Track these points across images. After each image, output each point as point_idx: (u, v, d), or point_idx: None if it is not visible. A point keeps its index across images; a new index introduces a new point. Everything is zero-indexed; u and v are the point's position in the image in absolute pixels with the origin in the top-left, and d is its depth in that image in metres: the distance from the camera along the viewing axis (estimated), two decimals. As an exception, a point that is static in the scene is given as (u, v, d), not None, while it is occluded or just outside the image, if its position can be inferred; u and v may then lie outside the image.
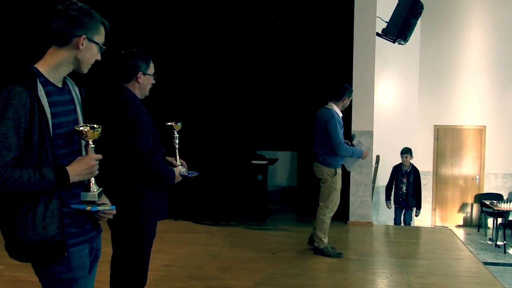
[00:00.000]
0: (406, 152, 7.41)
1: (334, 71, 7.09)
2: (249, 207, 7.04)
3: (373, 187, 7.22)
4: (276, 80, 7.53)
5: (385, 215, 8.33)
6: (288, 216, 7.57)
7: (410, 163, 7.44)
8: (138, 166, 2.73)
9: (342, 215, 6.91)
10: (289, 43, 7.46)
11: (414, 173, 7.49)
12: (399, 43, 6.99)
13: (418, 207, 7.52)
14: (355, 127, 6.83)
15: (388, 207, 7.65)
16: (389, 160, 7.81)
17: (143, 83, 2.92)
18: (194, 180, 6.63)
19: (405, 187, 7.50)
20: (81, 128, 2.01)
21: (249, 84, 7.53)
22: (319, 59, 7.27)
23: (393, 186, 7.65)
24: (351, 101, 5.59)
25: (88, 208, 2.01)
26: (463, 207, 10.11)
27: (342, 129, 5.19)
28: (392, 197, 7.70)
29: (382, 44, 7.06)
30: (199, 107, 7.37)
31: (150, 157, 2.74)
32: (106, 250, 2.86)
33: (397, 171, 7.55)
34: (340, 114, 5.22)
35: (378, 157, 7.30)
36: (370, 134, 6.79)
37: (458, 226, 10.02)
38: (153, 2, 7.45)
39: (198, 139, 7.27)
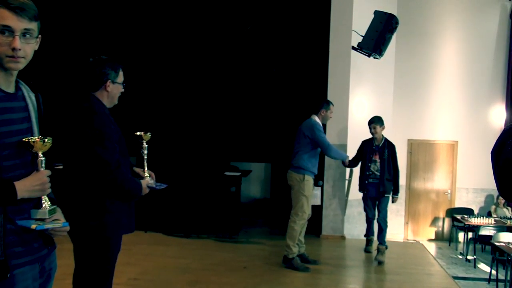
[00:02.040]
0: (375, 121, 5.87)
1: (310, 83, 7.13)
2: (222, 220, 6.99)
3: (346, 201, 7.24)
4: (252, 90, 7.54)
5: (358, 228, 8.34)
6: (261, 229, 7.54)
7: (383, 136, 5.93)
8: (103, 178, 2.67)
9: (314, 228, 6.92)
10: (265, 54, 7.50)
11: (389, 148, 5.89)
12: (374, 57, 7.06)
13: (396, 191, 5.96)
14: (329, 140, 6.80)
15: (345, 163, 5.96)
16: (363, 173, 7.81)
17: (112, 92, 2.88)
18: (166, 191, 6.51)
19: (377, 167, 5.93)
20: (28, 139, 1.85)
21: (224, 94, 7.50)
22: (296, 71, 7.31)
23: (361, 167, 6.12)
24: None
25: (33, 226, 1.83)
26: (435, 221, 10.23)
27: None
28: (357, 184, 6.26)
29: (358, 58, 7.12)
30: (171, 116, 7.31)
31: (117, 169, 2.68)
32: (71, 262, 2.79)
33: (366, 146, 5.99)
34: (320, 123, 5.47)
35: (351, 171, 7.28)
36: (344, 147, 6.84)
37: (430, 240, 10.12)
38: (123, 9, 7.40)
39: (169, 149, 7.20)
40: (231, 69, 7.50)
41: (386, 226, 6.10)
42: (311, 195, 5.43)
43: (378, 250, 5.90)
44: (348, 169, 7.07)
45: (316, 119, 5.45)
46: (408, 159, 10.14)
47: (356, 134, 7.61)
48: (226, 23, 7.38)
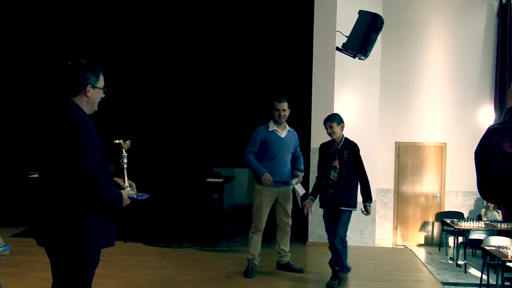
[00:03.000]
0: (330, 119, 4.97)
1: (294, 86, 7.19)
2: (204, 228, 7.00)
3: (333, 206, 7.26)
4: (234, 94, 7.56)
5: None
6: (244, 237, 7.51)
7: (343, 136, 5.00)
8: (82, 189, 2.65)
9: (300, 235, 6.98)
10: (247, 56, 7.55)
11: (349, 149, 4.95)
12: (359, 58, 7.06)
13: (366, 198, 4.99)
14: (314, 144, 6.93)
15: (305, 210, 5.19)
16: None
17: (92, 97, 2.87)
18: (146, 199, 6.60)
19: (336, 174, 4.92)
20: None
21: (206, 98, 7.53)
22: (279, 74, 7.39)
23: (318, 176, 5.26)
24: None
25: None
26: (424, 225, 10.34)
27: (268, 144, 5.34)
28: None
29: (342, 59, 7.16)
30: (151, 121, 7.32)
31: (97, 179, 2.66)
32: (48, 275, 2.80)
33: (324, 151, 5.11)
34: (271, 127, 5.41)
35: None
36: (329, 151, 6.88)
37: (420, 245, 10.23)
38: (101, 12, 7.43)
39: (149, 155, 7.21)
40: (212, 72, 7.55)
41: (344, 247, 5.09)
42: (265, 205, 5.39)
43: (339, 279, 5.19)
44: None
45: (270, 122, 5.47)
46: (396, 162, 10.25)
47: None
48: (206, 24, 7.43)
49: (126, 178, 3.04)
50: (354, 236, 8.45)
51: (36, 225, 2.81)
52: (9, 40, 7.56)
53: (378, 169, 9.10)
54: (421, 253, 9.56)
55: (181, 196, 6.87)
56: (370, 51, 7.03)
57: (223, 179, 7.03)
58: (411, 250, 7.17)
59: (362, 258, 6.43)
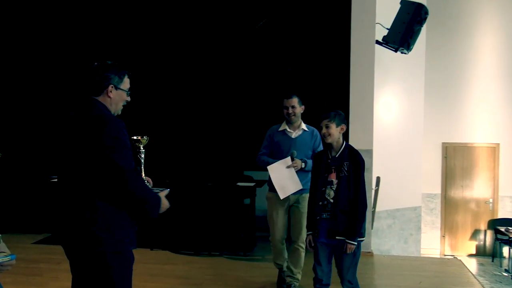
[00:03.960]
0: (328, 117, 4.09)
1: (330, 83, 7.15)
2: (235, 235, 6.96)
3: (373, 212, 7.18)
4: (266, 92, 7.53)
5: (388, 243, 8.30)
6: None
7: (344, 142, 4.14)
8: (121, 188, 2.72)
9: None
10: (280, 52, 7.48)
11: (351, 160, 4.06)
12: (401, 52, 7.02)
13: (352, 233, 3.95)
14: (353, 145, 6.83)
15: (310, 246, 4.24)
16: (391, 182, 7.81)
17: (114, 99, 2.94)
18: (173, 204, 6.57)
19: (333, 193, 4.06)
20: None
21: (236, 97, 7.52)
22: (313, 70, 7.32)
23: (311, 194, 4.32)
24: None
25: None
26: (475, 234, 10.11)
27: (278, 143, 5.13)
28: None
29: (383, 53, 7.11)
30: (178, 122, 7.35)
31: (136, 178, 2.78)
32: (67, 284, 2.83)
33: (318, 161, 4.24)
34: (282, 127, 5.19)
35: (378, 179, 7.27)
36: (369, 153, 6.77)
37: (470, 255, 10.00)
38: (130, 14, 7.53)
39: (176, 158, 7.23)
40: (243, 70, 7.53)
41: None
42: (275, 215, 5.17)
43: None
44: (374, 177, 7.02)
45: (284, 121, 5.23)
46: (443, 165, 10.06)
47: (383, 139, 7.63)
48: (238, 19, 7.43)
49: (143, 174, 3.12)
50: (397, 245, 8.34)
51: (61, 227, 2.85)
52: (30, 44, 7.78)
53: (423, 172, 8.98)
54: (472, 264, 9.34)
55: (210, 201, 6.84)
56: (413, 44, 6.94)
57: (254, 183, 6.99)
58: (460, 261, 6.99)
59: (406, 270, 6.30)
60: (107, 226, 2.75)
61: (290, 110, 5.03)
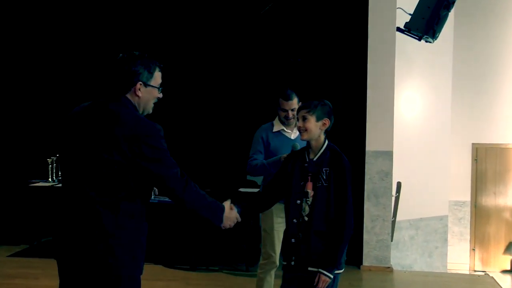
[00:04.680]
0: (307, 107, 3.64)
1: (344, 75, 7.14)
2: (236, 247, 6.98)
3: (393, 222, 7.18)
4: (272, 85, 7.45)
5: (410, 257, 8.27)
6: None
7: (325, 141, 3.66)
8: (170, 196, 2.83)
9: (354, 257, 6.86)
10: (289, 40, 7.45)
11: (332, 165, 3.56)
12: (426, 41, 6.93)
13: (328, 261, 3.43)
14: (370, 147, 6.86)
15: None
16: (414, 188, 7.78)
17: (144, 97, 2.89)
18: (166, 213, 6.51)
19: (308, 208, 3.57)
20: None
21: (237, 91, 7.50)
22: (326, 61, 7.28)
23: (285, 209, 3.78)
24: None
25: None
26: (510, 247, 10.06)
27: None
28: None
29: (405, 42, 7.07)
30: (175, 122, 7.33)
31: (186, 186, 2.81)
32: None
33: (291, 164, 3.72)
34: (276, 127, 4.95)
35: (399, 184, 7.24)
36: (389, 155, 6.80)
37: (504, 271, 9.95)
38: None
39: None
40: (248, 60, 7.51)
41: None
42: (273, 229, 4.83)
43: None
44: (394, 183, 7.00)
45: (276, 119, 4.98)
46: (473, 169, 10.00)
47: (404, 139, 7.59)
48: (242, 4, 7.47)
49: None
50: (421, 259, 8.31)
51: (69, 243, 2.78)
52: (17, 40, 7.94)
53: (451, 177, 8.95)
54: (506, 282, 9.30)
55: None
56: (439, 32, 6.89)
57: (258, 189, 6.96)
58: (492, 277, 6.95)
59: (431, 287, 6.28)
60: (131, 249, 2.76)
61: (290, 114, 4.74)
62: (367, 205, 6.88)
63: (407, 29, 6.79)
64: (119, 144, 2.67)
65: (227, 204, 3.07)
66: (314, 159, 3.58)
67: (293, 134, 4.84)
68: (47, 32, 7.87)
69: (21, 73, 7.91)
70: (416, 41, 6.92)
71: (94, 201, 2.68)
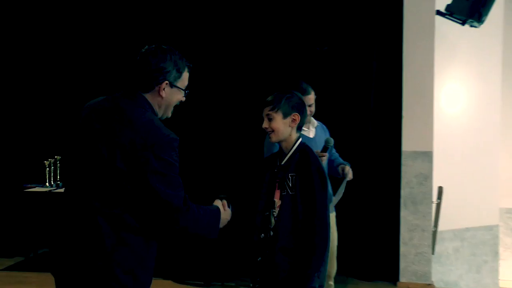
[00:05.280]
0: (268, 103, 3.53)
1: (376, 67, 7.04)
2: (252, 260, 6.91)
3: (434, 233, 7.05)
4: (294, 77, 7.31)
5: (455, 272, 8.18)
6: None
7: (298, 140, 3.57)
8: (169, 226, 2.74)
9: (389, 272, 6.88)
10: (314, 27, 7.38)
11: (299, 167, 3.46)
12: (471, 26, 6.90)
13: (298, 284, 3.27)
14: (406, 147, 6.79)
15: None
16: (458, 193, 7.68)
17: (167, 99, 2.87)
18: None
19: (273, 221, 3.48)
20: None
21: (253, 85, 7.41)
22: (355, 49, 7.20)
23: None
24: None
25: None
26: None
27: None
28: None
29: (446, 27, 7.01)
30: (187, 124, 7.29)
31: (186, 213, 2.73)
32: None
33: (267, 166, 3.72)
34: None
35: (440, 190, 7.12)
36: (428, 156, 6.73)
37: None
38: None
39: (184, 165, 7.22)
40: (267, 50, 7.46)
41: None
42: None
43: None
44: (435, 187, 6.93)
45: None
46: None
47: (446, 138, 7.54)
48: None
49: None
50: (467, 275, 8.24)
51: (67, 259, 2.77)
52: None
53: (501, 180, 8.83)
54: None
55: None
56: (486, 15, 6.79)
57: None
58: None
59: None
60: (132, 268, 2.72)
61: (308, 110, 4.75)
62: (404, 213, 6.79)
63: (448, 13, 6.76)
64: (124, 149, 2.64)
65: (219, 204, 3.04)
66: (282, 162, 3.50)
67: (311, 132, 4.96)
68: (43, 29, 7.98)
69: (15, 68, 8.00)
70: (459, 25, 6.89)
71: (94, 210, 2.66)
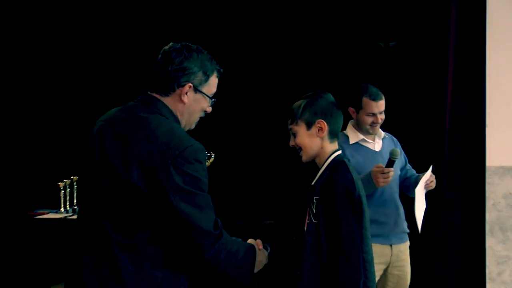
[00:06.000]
0: (292, 116, 3.44)
1: (454, 62, 6.74)
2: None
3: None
4: (354, 79, 7.11)
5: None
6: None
7: (335, 151, 3.40)
8: (196, 257, 2.64)
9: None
10: (377, 18, 7.34)
11: (322, 193, 3.29)
12: None
13: None
14: (492, 161, 6.49)
15: None
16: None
17: (190, 105, 2.82)
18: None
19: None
20: None
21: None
22: (425, 44, 7.09)
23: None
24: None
25: None
26: None
27: None
28: None
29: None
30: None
31: (217, 242, 2.65)
32: None
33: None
34: (353, 138, 4.86)
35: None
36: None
37: None
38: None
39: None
40: (320, 47, 7.43)
41: None
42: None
43: None
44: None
45: (349, 127, 4.89)
46: None
47: None
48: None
49: None
50: None
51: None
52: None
53: None
54: None
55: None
56: None
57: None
58: None
59: None
60: None
61: (378, 118, 4.71)
62: (490, 242, 6.47)
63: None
64: (142, 164, 2.57)
65: (254, 243, 2.98)
66: (313, 182, 3.34)
67: (377, 144, 4.85)
68: (50, 33, 8.07)
69: (27, 81, 8.12)
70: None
71: (109, 240, 2.62)
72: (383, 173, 4.31)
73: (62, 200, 7.24)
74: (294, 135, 3.33)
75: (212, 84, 2.87)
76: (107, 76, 7.82)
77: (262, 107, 7.61)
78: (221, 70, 2.92)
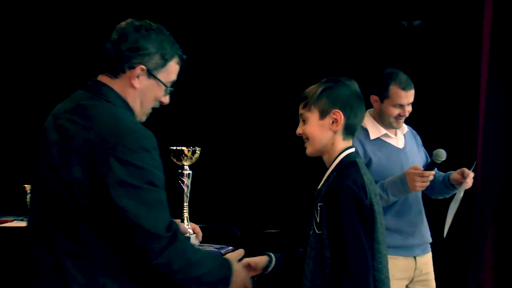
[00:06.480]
0: (303, 100, 3.36)
1: (490, 46, 6.53)
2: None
3: None
4: (366, 63, 7.18)
5: None
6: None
7: (346, 148, 3.28)
8: (145, 262, 2.58)
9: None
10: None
11: (325, 198, 3.32)
12: None
13: None
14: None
15: None
16: None
17: (142, 91, 2.77)
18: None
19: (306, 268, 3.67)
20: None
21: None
22: (455, 23, 6.94)
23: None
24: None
25: None
26: None
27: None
28: None
29: None
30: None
31: (170, 245, 2.58)
32: None
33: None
34: (374, 133, 4.73)
35: None
36: None
37: None
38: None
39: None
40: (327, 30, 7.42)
41: None
42: None
43: None
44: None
45: (367, 118, 4.71)
46: None
47: None
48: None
49: (186, 217, 3.31)
50: None
51: None
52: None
53: None
54: None
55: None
56: None
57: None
58: None
59: None
60: None
61: (406, 110, 4.60)
62: None
63: None
64: (81, 156, 2.53)
65: (233, 258, 2.96)
66: (319, 185, 3.20)
67: (400, 140, 4.77)
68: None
69: None
70: None
71: (55, 247, 2.61)
72: (422, 176, 4.23)
73: (28, 206, 6.90)
74: (304, 121, 3.19)
75: (171, 71, 2.83)
76: (76, 76, 7.66)
77: (269, 98, 7.59)
78: (184, 56, 2.88)
